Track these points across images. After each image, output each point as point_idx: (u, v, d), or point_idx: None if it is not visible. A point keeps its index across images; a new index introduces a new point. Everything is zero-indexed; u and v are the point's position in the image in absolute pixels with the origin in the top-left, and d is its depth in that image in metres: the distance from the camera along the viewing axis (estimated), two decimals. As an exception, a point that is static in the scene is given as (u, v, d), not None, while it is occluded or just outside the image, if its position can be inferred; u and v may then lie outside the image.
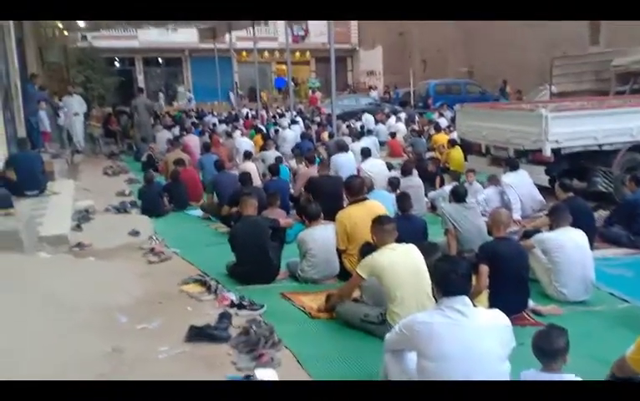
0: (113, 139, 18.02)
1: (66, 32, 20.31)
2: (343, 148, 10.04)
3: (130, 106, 17.02)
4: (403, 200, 6.28)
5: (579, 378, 3.01)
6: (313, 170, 8.75)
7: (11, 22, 10.44)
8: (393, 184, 7.77)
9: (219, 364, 3.99)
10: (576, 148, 8.53)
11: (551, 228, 5.51)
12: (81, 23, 19.92)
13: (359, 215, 5.60)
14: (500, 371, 2.92)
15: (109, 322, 4.80)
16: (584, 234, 5.27)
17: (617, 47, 17.61)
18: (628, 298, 5.12)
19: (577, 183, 8.66)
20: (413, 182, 8.18)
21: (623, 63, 14.33)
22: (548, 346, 3.05)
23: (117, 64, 33.51)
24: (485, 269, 4.60)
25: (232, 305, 4.96)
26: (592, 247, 5.55)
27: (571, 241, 5.16)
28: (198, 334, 4.35)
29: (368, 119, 18.58)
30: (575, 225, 5.35)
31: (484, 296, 4.62)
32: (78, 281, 5.79)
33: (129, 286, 5.63)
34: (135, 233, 7.35)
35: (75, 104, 14.31)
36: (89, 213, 8.22)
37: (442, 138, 12.96)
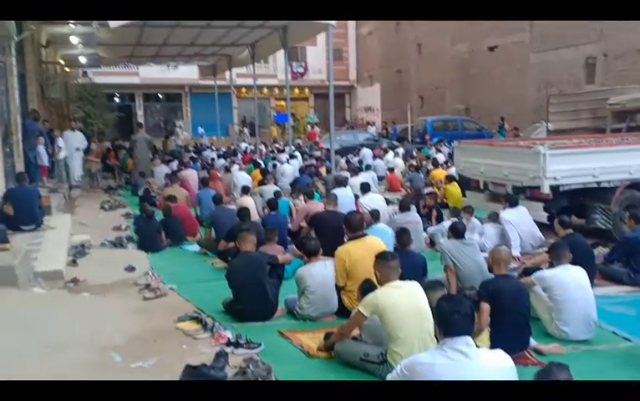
0: (111, 174, 18.04)
1: (67, 69, 20.56)
2: (342, 183, 10.03)
3: (130, 141, 17.08)
4: (403, 236, 6.23)
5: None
6: (312, 205, 8.72)
7: (14, 59, 10.57)
8: (374, 216, 7.71)
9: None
10: (574, 185, 8.54)
11: (551, 265, 5.46)
12: (82, 60, 20.19)
13: (359, 252, 5.55)
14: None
15: (104, 360, 4.71)
16: (584, 271, 5.22)
17: (612, 86, 17.91)
18: (631, 337, 5.05)
19: (576, 220, 8.66)
20: (412, 217, 8.15)
21: (619, 102, 14.49)
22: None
23: (117, 100, 33.81)
24: (486, 307, 4.53)
25: (229, 343, 4.87)
26: (593, 285, 5.51)
27: (572, 278, 5.11)
28: (194, 374, 4.24)
29: (365, 153, 18.67)
30: (575, 262, 5.31)
31: (485, 334, 4.55)
32: (72, 317, 5.72)
33: (123, 323, 5.55)
34: (131, 268, 7.26)
35: (76, 140, 14.35)
36: (85, 248, 8.14)
37: (440, 173, 12.99)
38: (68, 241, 8.24)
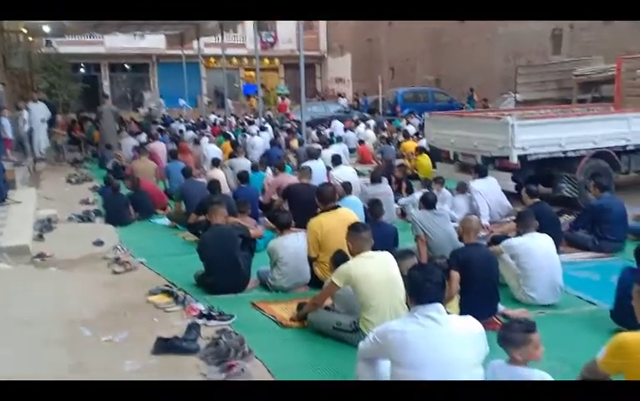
0: (77, 147, 17.62)
1: (31, 38, 19.81)
2: (314, 155, 10.00)
3: (96, 112, 16.67)
4: (375, 207, 6.28)
5: (545, 373, 3.05)
6: (284, 178, 8.67)
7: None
8: (346, 188, 7.72)
9: (187, 376, 3.89)
10: (541, 155, 8.70)
11: (519, 233, 5.58)
12: (46, 28, 19.49)
13: (331, 223, 5.56)
14: (474, 377, 2.91)
15: (73, 335, 4.65)
16: (551, 239, 5.35)
17: (578, 57, 18.16)
18: (595, 301, 5.21)
19: (543, 189, 8.83)
20: (383, 189, 8.19)
21: (585, 73, 14.73)
22: (518, 337, 3.06)
23: (82, 70, 32.87)
24: (456, 275, 4.62)
25: (201, 315, 4.85)
26: (559, 252, 5.66)
27: (538, 246, 5.24)
28: (165, 346, 4.23)
29: (337, 125, 18.62)
30: (541, 230, 5.44)
31: (455, 301, 4.64)
32: (39, 292, 5.62)
33: (93, 298, 5.48)
34: (100, 243, 7.15)
35: (40, 111, 13.91)
36: (52, 222, 7.96)
37: (410, 145, 13.07)
38: (34, 215, 8.05)
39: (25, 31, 18.82)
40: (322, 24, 38.22)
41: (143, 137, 15.68)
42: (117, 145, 14.73)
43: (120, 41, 29.10)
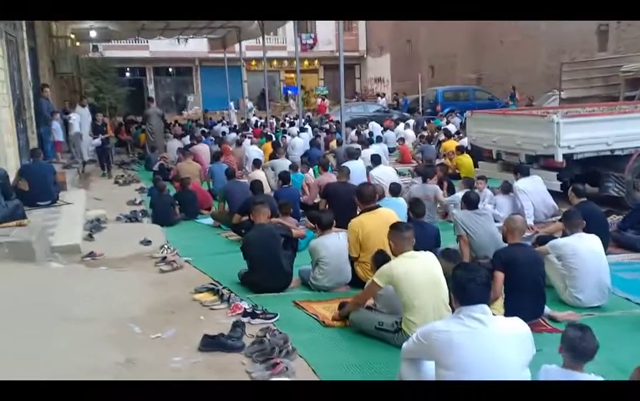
0: (124, 149, 18.13)
1: (78, 43, 20.50)
2: (353, 155, 10.02)
3: (142, 115, 17.11)
4: (417, 207, 6.26)
5: (600, 378, 3.01)
6: (325, 177, 8.72)
7: (24, 34, 10.58)
8: (393, 190, 7.72)
9: (233, 373, 3.98)
10: (587, 153, 8.49)
11: (565, 234, 5.47)
12: (93, 34, 20.14)
13: (371, 223, 5.58)
14: (521, 379, 2.88)
15: (123, 331, 4.79)
16: (598, 239, 5.23)
17: (624, 53, 17.60)
18: (644, 303, 5.06)
19: (590, 188, 8.61)
20: (430, 189, 8.13)
21: (632, 69, 14.30)
22: (585, 345, 3.03)
23: (128, 74, 33.79)
24: (500, 276, 4.56)
25: (245, 314, 4.94)
26: (606, 252, 5.52)
27: (585, 246, 5.12)
28: (212, 343, 4.33)
29: (374, 126, 18.56)
30: (588, 230, 5.32)
31: (499, 302, 4.58)
32: (90, 291, 5.82)
33: (141, 296, 5.63)
34: (147, 242, 7.36)
35: (86, 116, 14.37)
36: (101, 222, 8.25)
37: (451, 144, 12.92)
38: (84, 216, 8.34)
39: (73, 36, 19.52)
40: (362, 25, 38.18)
41: (187, 139, 16.02)
42: (163, 147, 15.07)
43: (164, 45, 29.78)
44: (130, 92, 25.88)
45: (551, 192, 8.27)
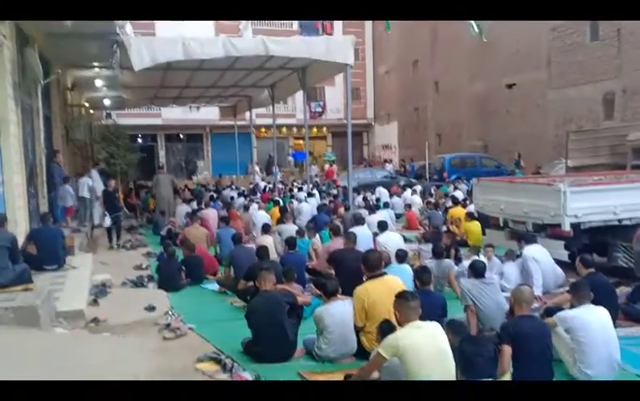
0: (133, 214, 18.28)
1: (92, 111, 21.03)
2: (359, 221, 10.05)
3: (152, 180, 17.35)
4: (423, 275, 6.22)
5: None
6: (335, 243, 8.73)
7: (40, 102, 10.90)
8: (399, 256, 7.69)
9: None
10: (595, 222, 8.46)
11: (573, 305, 5.37)
12: (107, 102, 20.69)
13: (377, 291, 5.54)
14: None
15: (123, 400, 4.73)
16: (607, 312, 5.14)
17: (631, 122, 17.79)
18: (657, 379, 4.92)
19: (597, 258, 8.53)
20: (445, 266, 8.03)
21: (639, 138, 14.38)
22: None
23: (140, 140, 34.48)
24: (508, 350, 4.45)
25: (248, 384, 4.85)
26: (615, 325, 5.41)
27: (594, 319, 5.02)
28: (213, 415, 4.23)
29: (381, 192, 18.67)
30: (597, 302, 5.23)
31: (507, 377, 4.46)
32: (92, 357, 5.76)
33: (144, 363, 5.56)
34: (151, 308, 7.32)
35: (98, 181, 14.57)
36: (106, 287, 8.24)
37: (459, 211, 12.93)
38: (90, 280, 8.34)
39: (87, 105, 20.06)
40: (370, 93, 39.11)
41: (195, 204, 16.17)
42: (172, 212, 15.18)
43: (176, 113, 30.49)
44: (142, 158, 26.33)
45: (559, 262, 8.21)
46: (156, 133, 35.27)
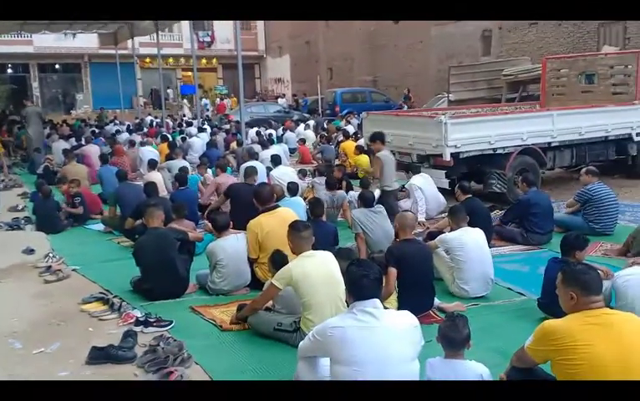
0: (5, 151, 16.76)
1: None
2: (253, 156, 9.96)
3: (20, 116, 15.99)
4: (315, 206, 6.33)
5: (481, 365, 3.23)
6: (224, 178, 8.58)
7: None
8: (291, 189, 7.77)
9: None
10: (472, 152, 9.00)
11: (452, 229, 5.76)
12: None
13: (271, 224, 5.56)
14: (411, 371, 3.00)
15: (2, 348, 4.47)
16: (483, 233, 5.57)
17: (506, 57, 18.94)
18: (524, 292, 5.45)
19: (475, 185, 9.16)
20: (338, 197, 8.18)
21: (513, 72, 15.40)
22: (455, 334, 3.26)
23: (10, 71, 31.33)
24: (393, 272, 4.72)
25: (138, 322, 4.74)
26: (490, 245, 5.92)
27: (471, 239, 5.43)
28: (100, 355, 4.12)
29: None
30: (473, 224, 5.65)
31: (393, 297, 4.74)
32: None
33: (23, 309, 5.27)
34: (30, 251, 6.87)
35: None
36: (-22, 232, 7.58)
37: (350, 145, 13.22)
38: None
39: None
40: (260, 25, 38.06)
41: (73, 140, 15.14)
42: (46, 149, 14.13)
43: (50, 40, 27.92)
44: (12, 90, 24.00)
45: (441, 190, 8.70)
46: (28, 62, 32.14)
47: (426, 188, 8.42)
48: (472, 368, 3.23)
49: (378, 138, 7.80)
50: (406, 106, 21.55)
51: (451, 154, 8.71)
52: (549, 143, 9.56)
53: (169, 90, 25.86)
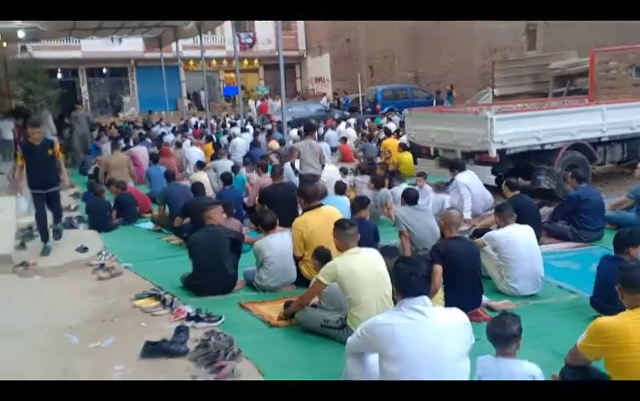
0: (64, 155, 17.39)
1: (5, 44, 19.51)
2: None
3: (70, 118, 16.57)
4: (359, 204, 6.36)
5: (533, 364, 3.16)
6: (266, 179, 8.70)
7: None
8: (339, 188, 7.80)
9: (177, 379, 3.90)
10: (519, 148, 8.84)
11: (499, 226, 5.67)
12: (20, 33, 19.19)
13: (315, 222, 5.61)
14: (461, 369, 2.98)
15: (60, 343, 4.64)
16: (531, 230, 5.46)
17: (552, 52, 18.45)
18: (575, 290, 5.32)
19: (522, 181, 8.97)
20: (382, 196, 8.16)
21: (560, 67, 14.99)
22: (502, 331, 3.19)
23: (60, 75, 32.48)
24: (439, 269, 4.68)
25: (189, 318, 4.86)
26: (539, 242, 5.80)
27: (519, 237, 5.34)
28: (154, 350, 4.24)
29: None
30: (522, 221, 5.55)
31: (439, 295, 4.71)
32: (24, 302, 5.58)
33: (78, 305, 5.45)
34: (84, 249, 7.10)
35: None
36: (34, 230, 7.87)
37: (392, 142, 13.15)
38: (15, 223, 7.96)
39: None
40: (300, 25, 38.21)
41: (122, 142, 15.56)
42: (96, 151, 14.60)
43: (97, 45, 28.78)
44: (62, 94, 24.86)
45: (487, 187, 8.57)
46: (77, 67, 33.24)
47: (472, 185, 8.30)
48: (524, 367, 3.18)
49: None
50: (449, 103, 21.29)
51: (497, 150, 8.57)
52: (599, 138, 9.30)
53: (202, 92, 26.25)
